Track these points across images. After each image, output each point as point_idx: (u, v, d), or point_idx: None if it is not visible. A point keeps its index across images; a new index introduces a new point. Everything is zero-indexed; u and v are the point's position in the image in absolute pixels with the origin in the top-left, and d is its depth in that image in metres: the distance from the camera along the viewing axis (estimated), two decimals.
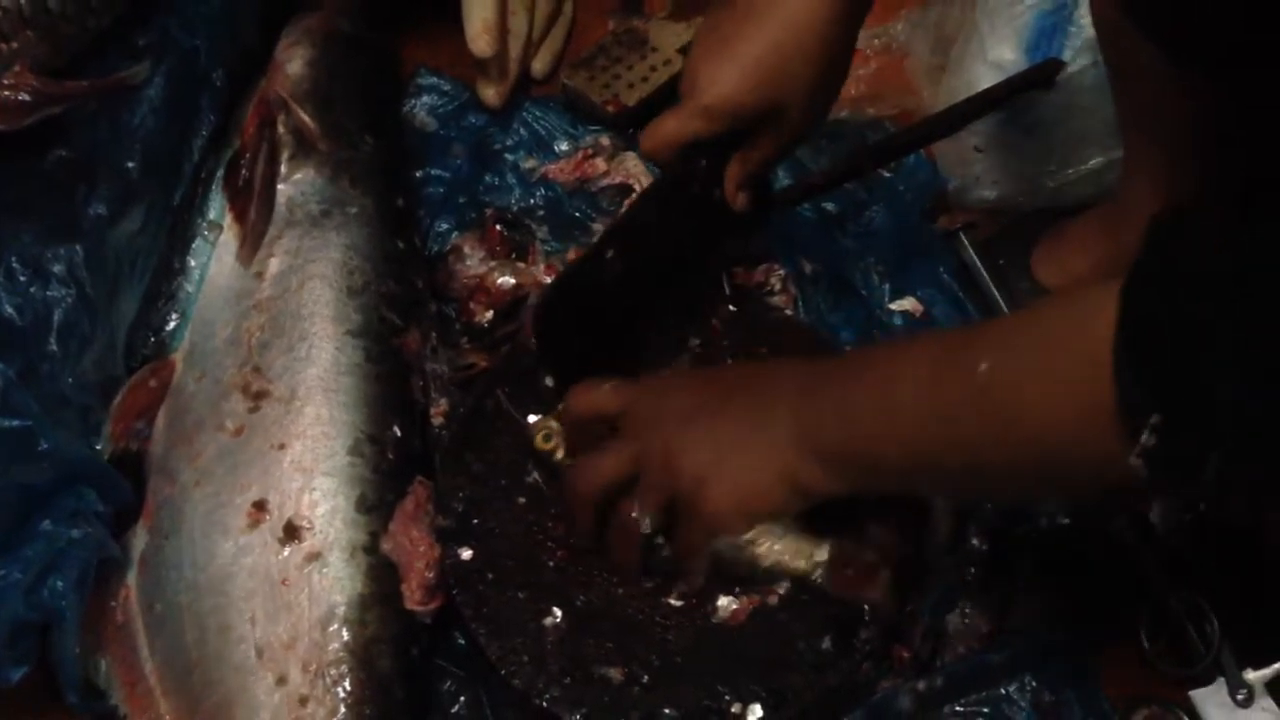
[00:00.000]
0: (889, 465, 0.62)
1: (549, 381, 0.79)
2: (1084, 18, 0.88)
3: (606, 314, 0.79)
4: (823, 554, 0.70)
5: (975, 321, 0.64)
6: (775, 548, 0.69)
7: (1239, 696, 0.71)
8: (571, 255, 0.92)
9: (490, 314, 0.89)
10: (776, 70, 0.71)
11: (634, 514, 0.69)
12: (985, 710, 0.73)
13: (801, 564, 0.70)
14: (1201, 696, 0.72)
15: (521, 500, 0.77)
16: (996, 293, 0.90)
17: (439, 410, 0.84)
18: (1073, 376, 0.51)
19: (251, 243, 0.83)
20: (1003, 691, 0.73)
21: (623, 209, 0.91)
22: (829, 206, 0.93)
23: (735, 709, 0.69)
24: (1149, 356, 0.48)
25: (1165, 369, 0.48)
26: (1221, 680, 0.72)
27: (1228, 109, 0.73)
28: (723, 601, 0.72)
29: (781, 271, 0.88)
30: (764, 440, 0.65)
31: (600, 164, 0.98)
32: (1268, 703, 0.71)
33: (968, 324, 0.67)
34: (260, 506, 0.73)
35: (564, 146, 0.99)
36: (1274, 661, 0.72)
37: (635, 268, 0.79)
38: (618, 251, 0.78)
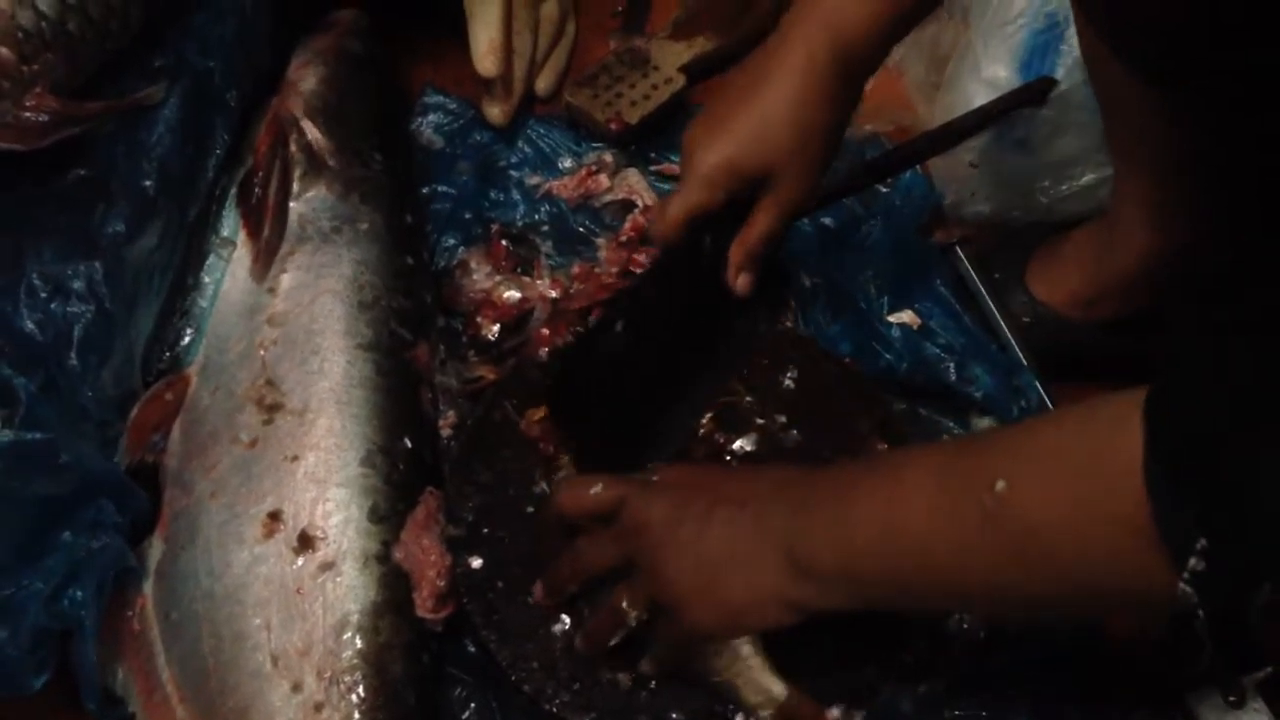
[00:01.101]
0: (896, 586, 0.61)
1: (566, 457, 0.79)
2: (1075, 36, 0.90)
3: (618, 386, 0.79)
4: (779, 693, 0.69)
5: (977, 436, 0.62)
6: (735, 668, 0.69)
7: (1232, 699, 0.72)
8: (576, 269, 0.94)
9: (497, 327, 0.91)
10: (765, 137, 0.73)
11: (624, 604, 0.69)
12: (985, 714, 0.74)
13: (753, 697, 0.70)
14: (1195, 699, 0.73)
15: (530, 509, 0.79)
16: (992, 305, 0.91)
17: (448, 422, 0.85)
18: (1102, 501, 0.50)
19: (264, 259, 0.84)
20: (1002, 695, 0.75)
21: (627, 283, 0.91)
22: (827, 221, 0.95)
23: (740, 715, 0.71)
24: (1186, 478, 0.47)
25: (1206, 490, 0.46)
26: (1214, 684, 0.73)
27: (1211, 135, 0.75)
28: None
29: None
30: (756, 558, 0.64)
31: (603, 180, 1.00)
32: (1260, 704, 0.72)
33: (967, 438, 0.63)
34: (275, 517, 0.75)
35: (568, 163, 1.01)
36: (1266, 665, 0.73)
37: (644, 341, 0.79)
38: (625, 324, 0.79)
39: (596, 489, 0.70)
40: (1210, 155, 0.78)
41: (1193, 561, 0.46)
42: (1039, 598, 0.56)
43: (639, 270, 0.91)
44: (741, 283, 0.78)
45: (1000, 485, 0.53)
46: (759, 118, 0.73)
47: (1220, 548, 0.46)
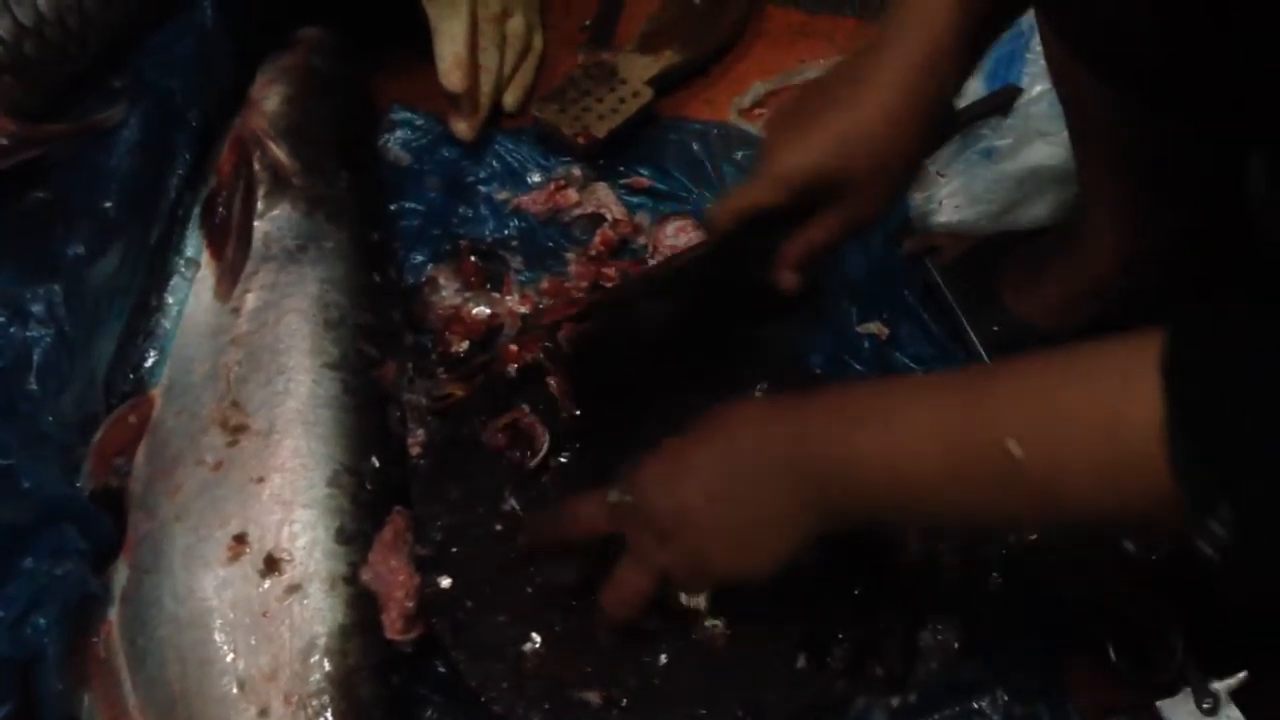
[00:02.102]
0: (906, 518, 0.63)
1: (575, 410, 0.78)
2: (1040, 45, 0.91)
3: (637, 355, 0.78)
4: None
5: (975, 380, 0.59)
6: None
7: (1205, 705, 0.72)
8: (545, 284, 0.94)
9: (466, 344, 0.90)
10: (847, 147, 0.71)
11: (634, 573, 0.68)
12: None
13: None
14: (1168, 706, 0.73)
15: (499, 527, 0.78)
16: (962, 315, 0.91)
17: (416, 440, 0.84)
18: (1122, 465, 0.50)
19: (229, 279, 0.84)
20: (975, 705, 0.75)
21: (670, 258, 0.90)
22: None
23: None
24: (1208, 444, 0.48)
25: (1228, 456, 0.47)
26: (1188, 690, 0.73)
27: (1175, 139, 0.76)
28: (706, 623, 0.73)
29: None
30: (767, 519, 0.63)
31: (572, 194, 0.99)
32: (1233, 711, 0.72)
33: (965, 381, 0.59)
34: (240, 540, 0.74)
35: (536, 178, 1.01)
36: (1238, 671, 0.73)
37: (675, 321, 0.78)
38: (662, 300, 0.78)
39: (594, 506, 0.69)
40: (1175, 160, 0.79)
41: (1214, 525, 0.47)
42: (1052, 530, 0.63)
43: (677, 253, 0.89)
44: (789, 280, 0.76)
45: (1014, 448, 0.53)
46: (848, 128, 0.71)
47: (1242, 512, 0.47)
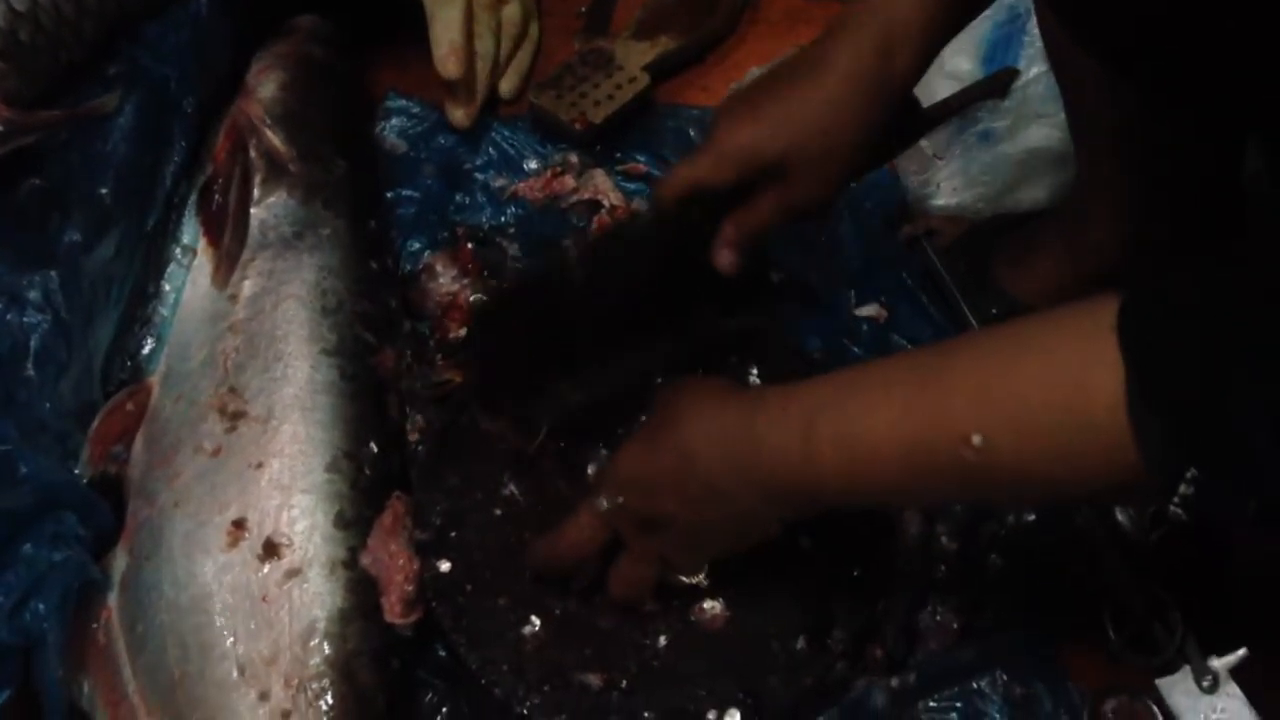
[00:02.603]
0: (869, 505, 0.64)
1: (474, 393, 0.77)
2: (1037, 27, 0.90)
3: (556, 320, 0.77)
4: None
5: (932, 365, 0.57)
6: None
7: (1205, 683, 0.72)
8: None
9: (464, 331, 0.90)
10: (791, 129, 0.70)
11: (635, 569, 0.70)
12: (958, 705, 0.74)
13: None
14: (1168, 684, 0.73)
15: (498, 512, 0.78)
16: (960, 297, 0.91)
17: (415, 426, 0.84)
18: (1087, 441, 0.50)
19: (226, 266, 0.84)
20: (974, 686, 0.74)
21: (594, 226, 0.90)
22: None
23: (712, 714, 0.70)
24: (1170, 411, 0.47)
25: (1191, 422, 0.47)
26: (1187, 668, 0.73)
27: (1171, 121, 0.75)
28: (705, 605, 0.74)
29: None
30: (738, 515, 0.64)
31: (569, 181, 0.99)
32: (1233, 688, 0.72)
33: (922, 367, 0.58)
34: (239, 525, 0.74)
35: (533, 165, 1.01)
36: (1237, 649, 0.73)
37: (598, 287, 0.76)
38: (584, 262, 0.76)
39: (583, 520, 0.69)
40: (1172, 142, 0.79)
41: (1182, 488, 0.47)
42: (1024, 504, 0.67)
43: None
44: (725, 259, 0.75)
45: (978, 440, 0.52)
46: (791, 108, 0.71)
47: (1209, 475, 0.47)
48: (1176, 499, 0.48)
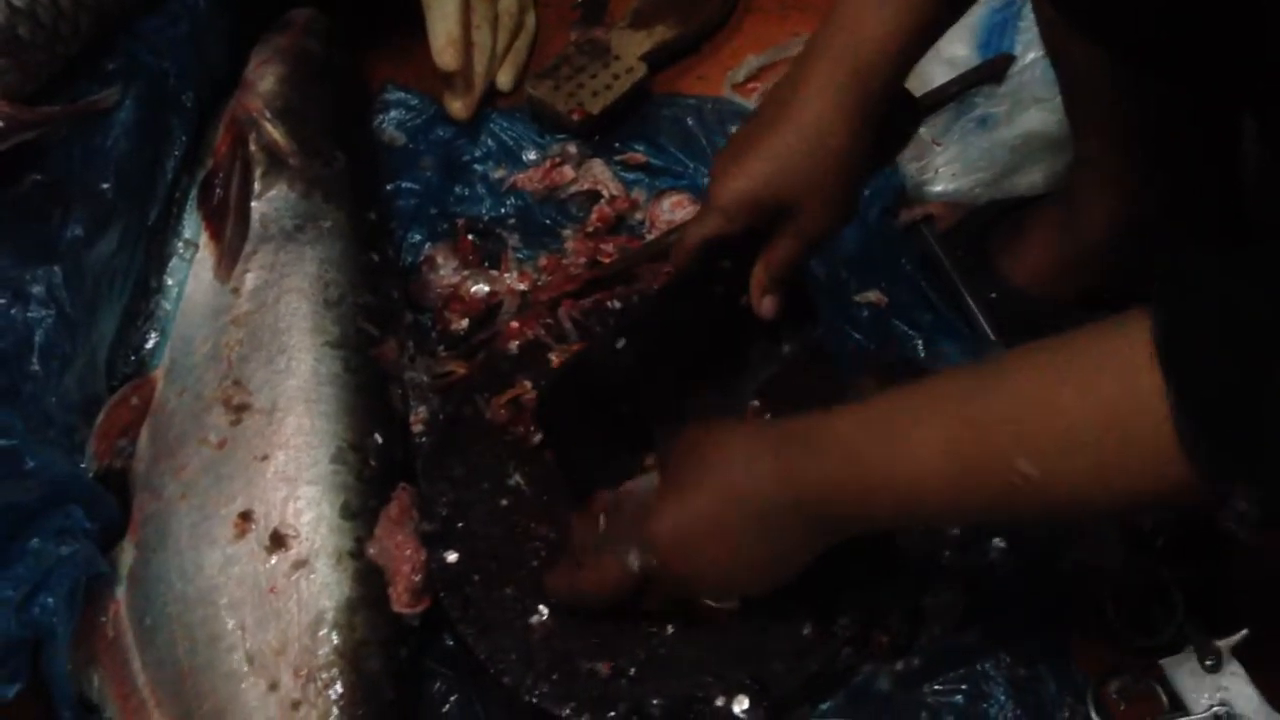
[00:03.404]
0: (917, 524, 0.65)
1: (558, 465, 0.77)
2: (1033, 12, 0.91)
3: (616, 403, 0.78)
4: None
5: (974, 389, 0.57)
6: None
7: (1208, 663, 0.73)
8: (543, 261, 0.94)
9: (465, 322, 0.91)
10: (786, 168, 0.72)
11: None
12: (963, 688, 0.75)
13: None
14: (1172, 664, 0.73)
15: (504, 502, 0.79)
16: (959, 282, 0.92)
17: (419, 418, 0.85)
18: (1135, 462, 0.50)
19: (228, 259, 0.84)
20: (979, 668, 0.75)
21: (635, 300, 0.89)
22: None
23: (720, 700, 0.71)
24: (1220, 429, 0.47)
25: (1242, 438, 0.47)
26: (1190, 648, 0.73)
27: (1166, 103, 0.76)
28: None
29: None
30: (776, 557, 0.65)
31: (568, 171, 0.99)
32: (1236, 667, 0.72)
33: (964, 390, 0.58)
34: (246, 517, 0.74)
35: (532, 156, 1.01)
36: (1240, 628, 0.73)
37: (648, 361, 0.77)
38: (629, 341, 0.77)
39: (628, 561, 0.69)
40: (1168, 123, 0.79)
41: (1238, 503, 0.47)
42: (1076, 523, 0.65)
43: (642, 287, 0.89)
44: (766, 305, 0.77)
45: (1025, 466, 0.53)
46: (778, 150, 0.72)
47: (1264, 486, 0.47)
48: (1231, 514, 0.48)
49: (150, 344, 0.83)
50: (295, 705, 0.70)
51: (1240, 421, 0.47)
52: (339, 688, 0.70)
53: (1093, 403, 0.51)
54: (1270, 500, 0.47)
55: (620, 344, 0.77)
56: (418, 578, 0.74)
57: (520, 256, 0.95)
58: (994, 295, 0.91)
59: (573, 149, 1.01)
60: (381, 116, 1.02)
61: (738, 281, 0.76)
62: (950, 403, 0.58)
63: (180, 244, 0.86)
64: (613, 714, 0.70)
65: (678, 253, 0.77)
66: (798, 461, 0.62)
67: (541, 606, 0.74)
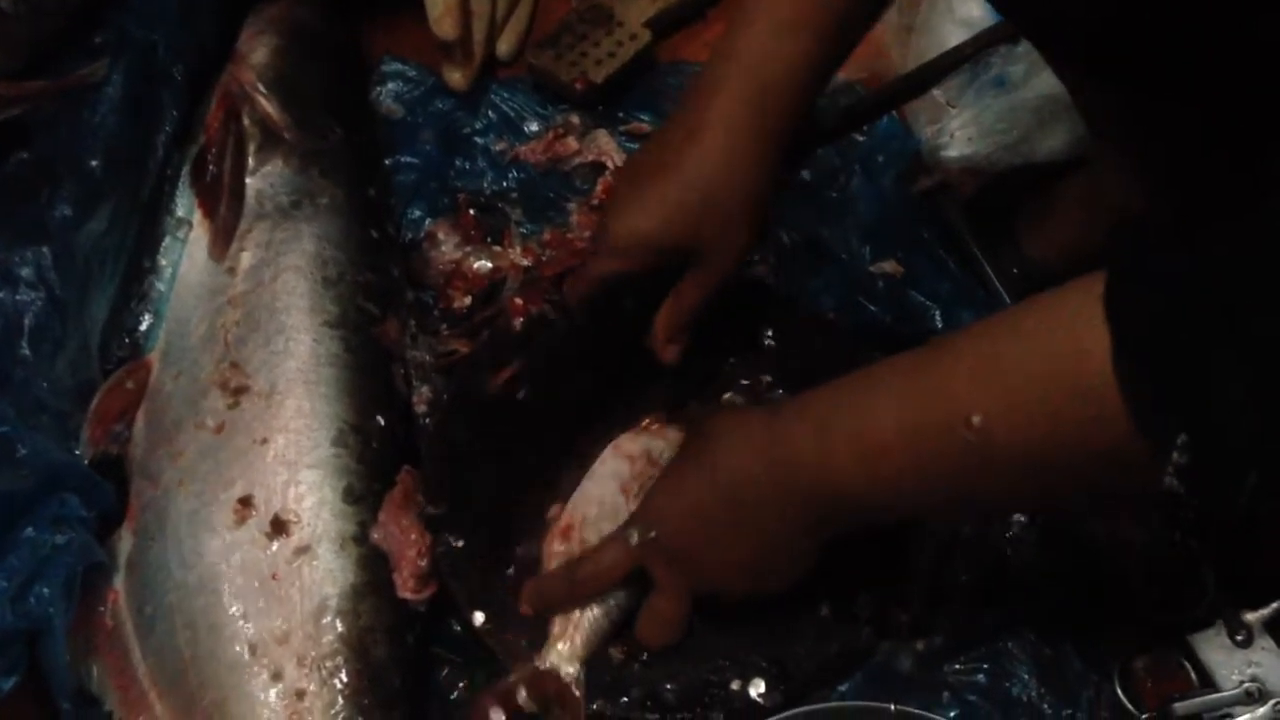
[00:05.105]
0: (894, 515, 0.63)
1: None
2: None
3: (509, 440, 0.77)
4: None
5: (934, 352, 0.58)
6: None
7: (1239, 637, 0.71)
8: (547, 236, 0.92)
9: (468, 299, 0.89)
10: (685, 208, 0.70)
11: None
12: (985, 666, 0.73)
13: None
14: (1200, 640, 0.71)
15: (510, 483, 0.77)
16: (979, 253, 0.89)
17: (421, 398, 0.83)
18: (1081, 411, 0.50)
19: (222, 238, 0.82)
20: (1002, 647, 0.73)
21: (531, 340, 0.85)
22: (804, 174, 0.93)
23: (736, 684, 0.69)
24: (1158, 374, 0.47)
25: (1180, 384, 0.47)
26: (1220, 623, 0.72)
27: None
28: None
29: None
30: (772, 547, 0.65)
31: (572, 143, 0.97)
32: (1267, 641, 0.71)
33: (925, 355, 0.58)
34: (246, 502, 0.72)
35: (534, 127, 0.99)
36: (1271, 601, 0.71)
37: (543, 399, 0.77)
38: (522, 379, 0.77)
39: (619, 547, 0.68)
40: (1163, 120, 0.76)
41: (1176, 456, 0.46)
42: (1029, 501, 0.64)
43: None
44: (670, 354, 0.76)
45: (977, 420, 0.53)
46: (678, 190, 0.70)
47: (1202, 440, 0.46)
48: (1171, 469, 0.47)
49: (144, 326, 0.81)
50: (300, 694, 0.68)
51: (1179, 370, 0.47)
52: (344, 676, 0.69)
53: (1041, 355, 0.51)
54: (1204, 449, 0.46)
55: (507, 378, 0.77)
56: (423, 563, 0.73)
57: (524, 231, 0.93)
58: (1016, 270, 0.89)
59: (576, 119, 0.98)
60: (378, 88, 1.00)
61: (643, 323, 0.75)
62: (908, 365, 0.58)
63: (173, 222, 0.84)
64: (625, 699, 0.69)
65: (574, 290, 0.76)
66: (777, 437, 0.62)
67: None
